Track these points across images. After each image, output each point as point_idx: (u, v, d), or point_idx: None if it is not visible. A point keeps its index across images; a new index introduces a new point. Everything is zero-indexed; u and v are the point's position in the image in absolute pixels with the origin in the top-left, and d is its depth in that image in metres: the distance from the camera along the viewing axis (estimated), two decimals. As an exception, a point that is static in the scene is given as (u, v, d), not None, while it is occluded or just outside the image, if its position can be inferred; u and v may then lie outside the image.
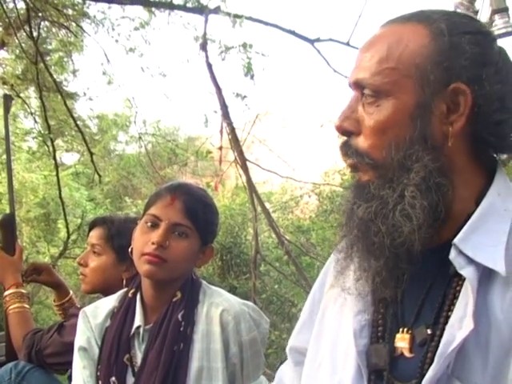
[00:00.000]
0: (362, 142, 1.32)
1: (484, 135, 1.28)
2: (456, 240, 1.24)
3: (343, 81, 6.55)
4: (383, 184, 1.29)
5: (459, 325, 1.20)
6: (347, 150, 1.35)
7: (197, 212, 2.12)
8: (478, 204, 1.29)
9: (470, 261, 1.22)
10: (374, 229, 1.28)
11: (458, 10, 2.56)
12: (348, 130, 1.34)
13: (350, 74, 1.37)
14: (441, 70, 1.25)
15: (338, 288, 1.45)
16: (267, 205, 8.74)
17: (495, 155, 1.36)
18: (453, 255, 1.23)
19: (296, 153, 12.84)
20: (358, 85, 1.33)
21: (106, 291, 2.70)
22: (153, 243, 2.05)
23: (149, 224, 2.11)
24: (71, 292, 3.31)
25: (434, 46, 1.26)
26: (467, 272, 1.21)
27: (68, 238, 8.11)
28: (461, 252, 1.23)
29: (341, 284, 1.43)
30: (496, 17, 2.39)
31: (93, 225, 2.92)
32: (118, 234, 2.79)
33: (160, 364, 2.03)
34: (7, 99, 3.50)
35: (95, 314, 2.21)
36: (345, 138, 1.37)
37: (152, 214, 2.11)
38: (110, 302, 2.25)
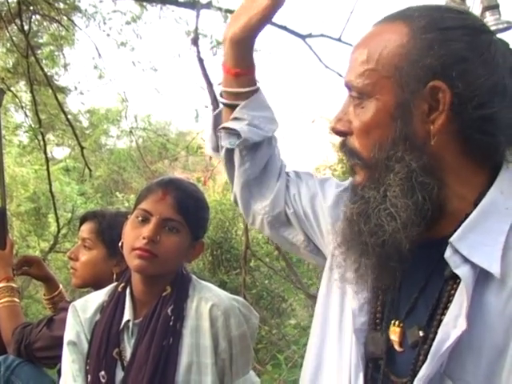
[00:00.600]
0: (353, 141, 1.34)
1: (468, 132, 1.26)
2: (452, 238, 1.24)
3: (335, 77, 6.54)
4: (370, 185, 1.30)
5: (454, 324, 1.20)
6: (344, 148, 1.37)
7: (188, 207, 2.11)
8: (477, 202, 1.28)
9: (466, 260, 1.22)
10: (356, 229, 1.30)
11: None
12: (341, 130, 1.36)
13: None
14: (418, 68, 1.25)
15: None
16: (258, 200, 8.71)
17: (500, 153, 1.32)
18: (448, 254, 1.23)
19: (287, 148, 12.85)
20: (347, 86, 1.35)
21: (97, 285, 2.70)
22: (144, 238, 2.05)
23: (140, 219, 2.10)
24: (61, 286, 3.30)
25: (411, 44, 1.26)
26: (462, 271, 1.21)
27: (58, 232, 8.08)
28: (456, 251, 1.23)
29: (340, 275, 1.44)
30: (487, 14, 2.38)
31: (84, 219, 2.91)
32: (108, 228, 2.78)
33: (149, 358, 2.03)
34: (0, 93, 3.49)
35: (85, 308, 2.21)
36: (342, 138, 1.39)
37: (143, 209, 2.10)
38: (99, 296, 2.24)
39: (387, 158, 1.27)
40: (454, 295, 1.24)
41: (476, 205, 1.27)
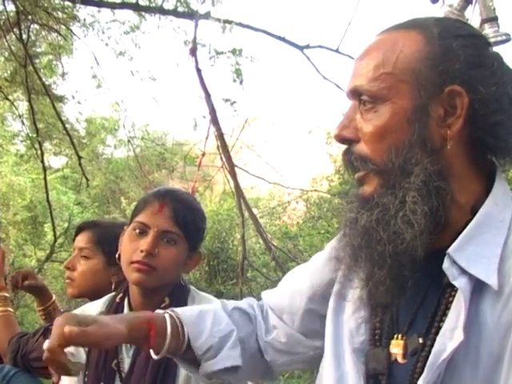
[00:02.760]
0: (363, 147, 1.32)
1: (482, 136, 1.28)
2: (450, 250, 1.24)
3: (332, 88, 6.56)
4: (386, 191, 1.29)
5: (450, 335, 1.20)
6: (350, 156, 1.35)
7: (185, 219, 2.10)
8: (473, 212, 1.29)
9: (463, 271, 1.22)
10: (377, 237, 1.28)
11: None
12: (347, 137, 1.35)
13: (347, 84, 1.38)
14: (436, 73, 1.26)
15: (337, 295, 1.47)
16: (255, 210, 8.74)
17: (494, 160, 1.35)
18: (446, 265, 1.24)
19: (284, 159, 12.84)
20: (355, 92, 1.34)
21: (94, 295, 2.69)
22: (141, 251, 2.03)
23: (137, 231, 2.08)
24: (54, 296, 3.29)
25: (428, 50, 1.28)
26: (460, 283, 1.21)
27: (55, 241, 8.08)
28: (454, 262, 1.23)
29: (340, 292, 1.45)
30: (486, 26, 2.39)
31: (80, 229, 2.90)
32: (107, 237, 2.77)
33: (148, 370, 2.01)
34: None
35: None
36: (343, 146, 1.38)
37: (140, 222, 2.08)
38: (96, 307, 2.23)
39: (404, 162, 1.27)
40: (451, 302, 1.24)
41: (472, 213, 1.28)
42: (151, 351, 1.48)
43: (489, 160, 1.34)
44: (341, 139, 1.36)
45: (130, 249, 2.07)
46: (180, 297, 2.15)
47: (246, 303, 1.74)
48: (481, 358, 1.19)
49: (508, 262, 1.23)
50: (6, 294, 2.98)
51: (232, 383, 1.67)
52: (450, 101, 1.26)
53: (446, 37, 1.28)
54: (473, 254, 1.23)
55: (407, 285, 1.31)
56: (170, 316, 1.51)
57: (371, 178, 1.33)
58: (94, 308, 2.23)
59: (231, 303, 1.71)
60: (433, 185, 1.25)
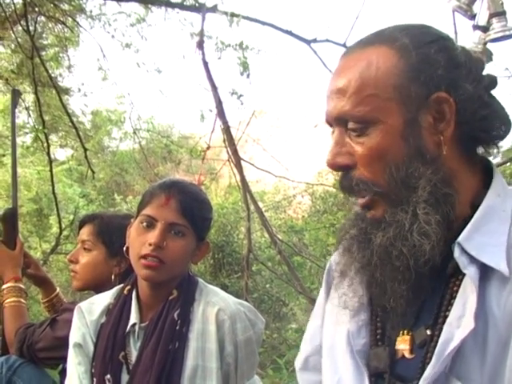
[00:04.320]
0: (362, 172, 1.32)
1: (472, 133, 1.31)
2: (460, 239, 1.26)
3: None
4: (395, 210, 1.29)
5: (457, 323, 1.22)
6: (350, 182, 1.34)
7: (192, 210, 2.10)
8: (473, 206, 1.31)
9: (473, 260, 1.24)
10: (395, 253, 1.28)
11: (456, 14, 2.56)
12: (343, 164, 1.34)
13: (327, 110, 1.37)
14: (418, 84, 1.27)
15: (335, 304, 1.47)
16: (260, 204, 8.74)
17: (487, 156, 1.39)
18: (457, 254, 1.25)
19: (289, 153, 12.83)
20: (340, 120, 1.33)
21: (98, 288, 2.70)
22: (150, 244, 2.04)
23: (144, 224, 2.08)
24: (58, 288, 3.30)
25: (404, 62, 1.28)
26: (470, 271, 1.23)
27: (60, 233, 8.06)
28: (464, 251, 1.25)
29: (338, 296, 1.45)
30: (494, 20, 2.38)
31: (83, 222, 2.92)
32: (107, 229, 2.78)
33: (155, 362, 2.02)
34: (15, 94, 3.47)
35: (90, 309, 2.20)
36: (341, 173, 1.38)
37: (147, 215, 2.08)
38: (105, 299, 2.24)
39: (407, 177, 1.27)
40: (456, 292, 1.26)
41: (473, 206, 1.31)
42: None
43: (479, 153, 1.37)
44: (336, 167, 1.36)
45: (138, 242, 2.07)
46: (188, 289, 2.15)
47: None
48: (488, 345, 1.20)
49: None
50: (21, 286, 3.00)
51: None
52: (437, 107, 1.27)
53: (419, 46, 1.29)
54: (481, 243, 1.25)
55: (422, 293, 1.33)
56: None
57: (376, 201, 1.33)
58: (102, 300, 2.24)
59: None
60: (440, 193, 1.26)
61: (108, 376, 2.07)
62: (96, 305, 2.22)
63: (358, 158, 1.31)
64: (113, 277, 2.70)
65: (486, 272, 1.23)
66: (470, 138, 1.32)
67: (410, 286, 1.30)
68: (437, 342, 1.24)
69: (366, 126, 1.29)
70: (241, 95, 7.32)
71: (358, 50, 1.34)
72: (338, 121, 1.34)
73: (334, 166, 1.35)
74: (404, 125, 1.27)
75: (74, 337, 2.17)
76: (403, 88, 1.27)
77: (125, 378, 2.07)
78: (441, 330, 1.25)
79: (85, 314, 2.19)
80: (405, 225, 1.27)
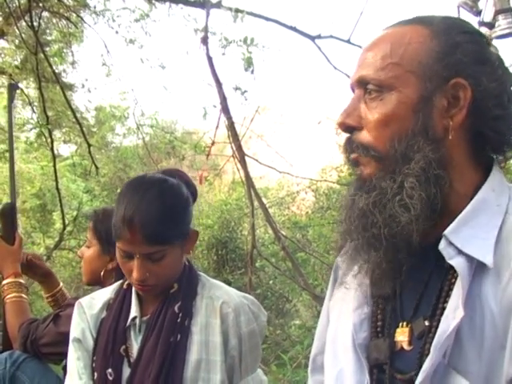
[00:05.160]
0: (365, 135, 1.36)
1: (482, 129, 1.34)
2: (446, 231, 1.28)
3: (343, 78, 6.56)
4: (385, 176, 1.33)
5: (453, 315, 1.23)
6: (351, 145, 1.39)
7: (162, 235, 2.02)
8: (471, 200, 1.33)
9: (460, 252, 1.26)
10: (373, 219, 1.32)
11: (461, 10, 2.56)
12: (350, 125, 1.39)
13: (352, 75, 1.43)
14: (442, 66, 1.31)
15: (339, 286, 1.49)
16: (264, 200, 8.74)
17: (493, 154, 1.41)
18: (442, 245, 1.28)
19: (293, 149, 12.83)
20: (361, 82, 1.38)
21: (100, 283, 2.72)
22: (135, 280, 2.04)
23: (123, 256, 2.05)
24: (61, 283, 3.31)
25: (435, 44, 1.33)
26: (457, 262, 1.25)
27: (64, 229, 8.08)
28: (450, 243, 1.27)
29: (342, 280, 1.49)
30: (499, 17, 2.39)
31: (89, 219, 2.96)
32: (101, 225, 2.81)
33: (156, 354, 2.02)
34: (12, 88, 3.48)
35: (91, 304, 2.21)
36: (347, 134, 1.42)
37: (122, 249, 2.05)
38: (105, 294, 2.25)
39: (406, 148, 1.31)
40: (454, 284, 1.27)
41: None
42: None
43: (487, 153, 1.40)
44: (344, 127, 1.40)
45: (125, 270, 2.07)
46: (189, 282, 2.16)
47: None
48: (485, 339, 1.22)
49: (507, 245, 1.26)
50: (22, 281, 3.01)
51: None
52: (454, 93, 1.31)
53: (451, 32, 1.34)
54: (468, 235, 1.28)
55: (402, 270, 1.36)
56: None
57: (368, 161, 1.37)
58: (103, 295, 2.25)
59: None
60: (432, 172, 1.29)
61: (109, 370, 2.07)
62: (96, 300, 2.23)
63: (366, 122, 1.36)
64: (102, 272, 2.73)
65: (481, 267, 1.25)
66: (479, 134, 1.35)
67: (383, 256, 1.33)
68: (435, 333, 1.26)
69: (382, 90, 1.34)
70: (245, 91, 7.32)
71: (396, 26, 1.41)
72: (359, 83, 1.39)
73: (342, 125, 1.40)
74: (418, 99, 1.31)
75: (74, 332, 2.18)
76: (427, 66, 1.32)
77: (126, 371, 2.07)
78: (439, 321, 1.27)
79: (85, 308, 2.19)
80: (388, 193, 1.31)
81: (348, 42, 6.50)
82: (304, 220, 12.42)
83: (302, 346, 7.34)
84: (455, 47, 1.32)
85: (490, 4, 2.42)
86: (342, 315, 1.49)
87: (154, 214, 2.01)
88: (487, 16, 2.45)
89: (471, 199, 1.32)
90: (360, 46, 6.58)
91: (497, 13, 2.38)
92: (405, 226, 1.28)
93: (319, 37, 6.86)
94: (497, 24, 2.39)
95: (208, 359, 2.06)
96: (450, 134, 1.31)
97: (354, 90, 1.43)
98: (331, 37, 6.81)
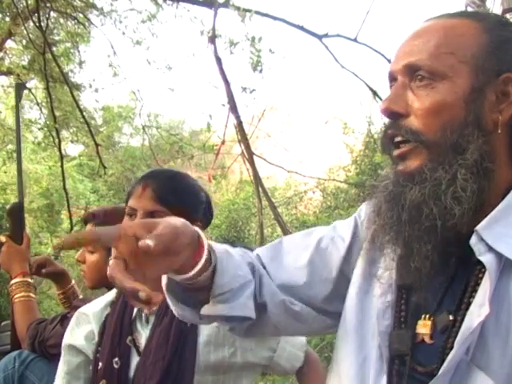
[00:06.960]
0: (414, 122, 1.33)
1: None
2: (478, 227, 1.26)
3: (349, 78, 6.55)
4: (436, 166, 1.30)
5: (478, 311, 1.21)
6: (397, 131, 1.35)
7: (167, 196, 2.10)
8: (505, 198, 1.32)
9: (490, 248, 1.24)
10: (427, 211, 1.29)
11: (469, 9, 2.56)
12: (397, 111, 1.35)
13: (395, 62, 1.40)
14: (493, 60, 1.30)
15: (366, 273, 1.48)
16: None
17: None
18: (473, 241, 1.26)
19: (300, 149, 12.84)
20: (410, 68, 1.35)
21: (109, 284, 2.71)
22: None
23: (128, 215, 2.11)
24: (73, 280, 3.30)
25: (487, 38, 1.32)
26: (486, 258, 1.23)
27: (71, 229, 8.08)
28: (482, 239, 1.25)
29: (370, 270, 1.46)
30: (507, 16, 2.39)
31: (85, 222, 2.89)
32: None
33: (170, 341, 2.02)
34: (19, 87, 3.48)
35: (92, 305, 2.24)
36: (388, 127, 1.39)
37: (129, 206, 2.11)
38: (108, 295, 2.26)
39: (459, 138, 1.29)
40: (481, 279, 1.26)
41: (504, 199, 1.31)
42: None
43: None
44: (389, 113, 1.36)
45: None
46: None
47: (249, 257, 1.63)
48: (511, 336, 1.20)
49: None
50: (30, 280, 3.00)
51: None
52: (504, 88, 1.30)
53: (503, 28, 1.34)
54: (499, 234, 1.25)
55: (450, 261, 1.33)
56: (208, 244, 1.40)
57: (419, 151, 1.33)
58: (105, 297, 2.27)
59: (246, 252, 1.65)
60: (484, 165, 1.28)
61: (116, 359, 2.08)
62: (99, 300, 2.26)
63: (415, 110, 1.33)
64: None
65: (509, 264, 1.24)
66: None
67: (434, 248, 1.30)
68: (459, 327, 1.24)
69: (434, 78, 1.32)
70: (253, 90, 7.31)
71: (445, 18, 1.39)
72: (407, 69, 1.36)
73: (387, 110, 1.36)
74: (470, 90, 1.30)
75: (66, 339, 2.23)
76: (480, 58, 1.31)
77: (135, 359, 2.08)
78: (463, 316, 1.25)
79: (86, 312, 2.23)
80: (441, 184, 1.28)
81: (355, 40, 6.50)
82: (312, 219, 12.42)
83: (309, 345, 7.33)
84: (506, 43, 1.32)
85: (498, 3, 2.43)
86: (367, 301, 1.46)
87: (167, 176, 2.17)
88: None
89: (503, 197, 1.31)
90: (367, 45, 6.59)
91: (504, 12, 2.39)
92: (458, 218, 1.26)
93: (326, 35, 6.86)
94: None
95: (218, 335, 2.06)
96: (498, 128, 1.30)
97: (392, 79, 1.41)
98: (338, 35, 6.81)
